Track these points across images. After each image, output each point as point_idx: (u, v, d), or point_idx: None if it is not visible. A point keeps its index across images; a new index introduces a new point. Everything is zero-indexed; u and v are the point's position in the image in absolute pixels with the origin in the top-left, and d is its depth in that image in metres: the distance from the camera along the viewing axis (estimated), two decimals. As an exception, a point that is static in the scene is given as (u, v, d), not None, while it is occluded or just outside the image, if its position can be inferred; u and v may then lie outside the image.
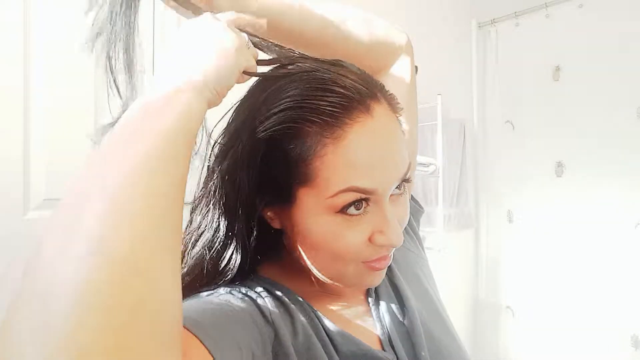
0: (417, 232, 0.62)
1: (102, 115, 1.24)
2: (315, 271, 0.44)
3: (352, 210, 0.39)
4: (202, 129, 0.43)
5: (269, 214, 0.43)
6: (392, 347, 0.46)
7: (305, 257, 0.43)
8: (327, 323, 0.44)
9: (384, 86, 0.42)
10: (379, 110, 0.39)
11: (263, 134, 0.38)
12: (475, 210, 2.42)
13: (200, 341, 0.32)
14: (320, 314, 0.45)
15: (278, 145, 0.38)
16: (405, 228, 0.58)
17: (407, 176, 0.41)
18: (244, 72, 0.39)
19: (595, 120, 1.99)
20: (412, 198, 0.60)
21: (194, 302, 0.38)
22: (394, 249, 0.43)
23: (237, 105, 0.43)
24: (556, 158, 2.13)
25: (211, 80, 0.34)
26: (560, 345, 2.06)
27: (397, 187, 0.41)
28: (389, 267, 0.52)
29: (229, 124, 0.43)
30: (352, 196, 0.38)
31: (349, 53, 0.52)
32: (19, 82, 1.11)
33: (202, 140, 0.43)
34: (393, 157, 0.40)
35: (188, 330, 0.32)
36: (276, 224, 0.44)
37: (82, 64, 1.21)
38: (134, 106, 0.31)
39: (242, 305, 0.39)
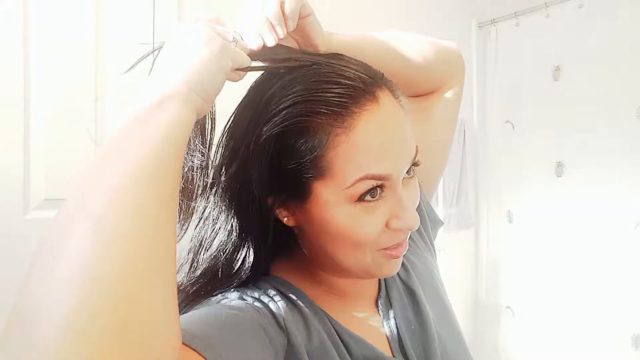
0: (433, 242, 0.62)
1: (102, 115, 1.24)
2: (332, 263, 0.43)
3: (368, 197, 0.39)
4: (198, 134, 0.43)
5: (283, 212, 0.43)
6: (404, 354, 0.46)
7: (324, 251, 0.43)
8: (339, 326, 0.44)
9: (383, 74, 0.43)
10: (384, 97, 0.40)
11: (272, 131, 0.38)
12: (475, 210, 2.42)
13: None
14: (331, 316, 0.44)
15: (289, 141, 0.38)
16: (422, 236, 0.59)
17: (417, 160, 0.42)
18: (237, 69, 0.39)
19: (595, 120, 1.99)
20: (433, 210, 0.61)
21: (204, 314, 0.37)
22: (413, 256, 0.44)
23: (239, 105, 0.43)
24: (556, 158, 2.13)
25: (195, 87, 0.33)
26: (560, 345, 2.06)
27: (407, 172, 0.42)
28: (406, 270, 0.53)
29: (232, 125, 0.43)
30: (369, 184, 0.38)
31: (406, 79, 0.54)
32: (19, 83, 1.11)
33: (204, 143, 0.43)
34: (402, 141, 0.40)
35: (198, 352, 0.31)
36: (291, 222, 0.43)
37: (82, 64, 1.21)
38: (118, 122, 0.31)
39: (254, 314, 0.39)
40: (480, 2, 2.44)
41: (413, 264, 0.54)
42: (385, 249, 0.42)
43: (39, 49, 1.13)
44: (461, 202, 2.28)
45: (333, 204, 0.39)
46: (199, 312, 0.38)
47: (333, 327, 0.43)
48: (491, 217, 2.40)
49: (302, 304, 0.43)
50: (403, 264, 0.53)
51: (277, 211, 0.43)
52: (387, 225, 0.40)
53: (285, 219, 0.43)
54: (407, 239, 0.44)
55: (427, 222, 0.60)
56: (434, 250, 0.62)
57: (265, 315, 0.39)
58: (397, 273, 0.52)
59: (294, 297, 0.43)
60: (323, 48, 0.45)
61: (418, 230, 0.58)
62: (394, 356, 0.46)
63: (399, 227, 0.40)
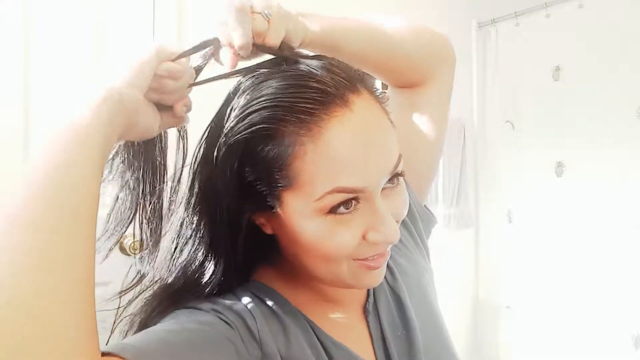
0: (426, 243, 0.60)
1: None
2: (310, 273, 0.42)
3: (341, 209, 0.37)
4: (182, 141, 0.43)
5: (260, 219, 0.42)
6: (388, 359, 0.46)
7: (299, 260, 0.42)
8: (322, 334, 0.43)
9: (364, 76, 0.40)
10: (359, 102, 0.37)
11: (237, 137, 0.36)
12: (475, 210, 2.42)
13: None
14: (315, 323, 0.43)
15: (255, 149, 0.36)
16: (414, 239, 0.56)
17: (398, 169, 0.39)
18: (190, 85, 0.40)
19: (595, 120, 1.99)
20: (425, 207, 0.59)
21: (162, 330, 0.36)
22: (402, 258, 0.43)
23: (216, 112, 0.42)
24: (556, 158, 2.13)
25: (120, 84, 0.35)
26: (560, 345, 2.06)
27: (389, 181, 0.39)
28: (393, 276, 0.51)
29: (206, 133, 0.41)
30: (340, 197, 0.36)
31: (398, 66, 0.52)
32: (19, 82, 1.11)
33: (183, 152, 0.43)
34: (379, 150, 0.37)
35: (115, 355, 0.30)
36: (268, 230, 0.42)
37: (82, 65, 1.21)
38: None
39: (223, 328, 0.37)
40: (480, 2, 2.44)
41: (401, 268, 0.52)
42: (362, 259, 0.39)
43: (39, 49, 1.13)
44: (461, 202, 2.28)
45: (303, 215, 0.37)
46: (159, 327, 0.37)
47: (315, 334, 0.42)
48: (491, 217, 2.40)
49: (281, 312, 0.41)
50: (390, 268, 0.51)
51: (254, 218, 0.41)
52: (364, 237, 0.38)
53: (263, 226, 0.42)
54: (389, 248, 0.42)
55: (419, 222, 0.58)
56: (427, 251, 0.59)
57: (237, 327, 0.38)
58: (385, 277, 0.51)
59: (272, 304, 0.42)
60: (303, 45, 0.44)
61: (409, 232, 0.56)
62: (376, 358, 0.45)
63: (377, 241, 0.38)
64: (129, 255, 1.22)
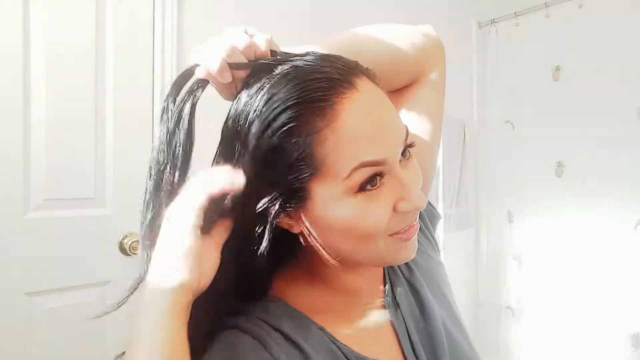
0: (435, 236, 0.61)
1: (101, 115, 1.24)
2: (343, 259, 0.43)
3: (368, 187, 0.38)
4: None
5: (286, 220, 0.42)
6: (415, 353, 0.46)
7: (335, 250, 0.42)
8: (347, 350, 0.43)
9: (358, 63, 0.42)
10: (363, 83, 0.40)
11: (263, 143, 0.38)
12: (475, 210, 2.42)
13: None
14: (339, 341, 0.43)
15: (279, 149, 0.38)
16: (424, 233, 0.58)
17: (409, 140, 0.41)
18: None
19: (595, 120, 1.99)
20: (429, 203, 0.60)
21: None
22: (417, 254, 0.43)
23: (224, 128, 0.42)
24: (556, 158, 2.13)
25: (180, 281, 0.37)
26: (560, 345, 2.06)
27: (402, 154, 0.41)
28: (410, 268, 0.52)
29: (220, 149, 0.42)
30: (366, 172, 0.38)
31: (390, 73, 0.53)
32: (19, 83, 1.11)
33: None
34: (390, 123, 0.40)
35: None
36: (296, 229, 0.42)
37: (82, 65, 1.21)
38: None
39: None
40: (480, 2, 2.44)
41: (416, 262, 0.54)
42: (396, 233, 0.41)
43: (40, 49, 1.13)
44: (461, 202, 2.28)
45: (335, 200, 0.39)
46: None
47: (340, 350, 0.43)
48: (491, 217, 2.40)
49: (303, 340, 0.42)
50: (407, 263, 0.52)
51: (280, 220, 0.41)
52: (394, 209, 0.40)
53: (290, 227, 0.42)
54: (417, 220, 0.43)
55: (426, 218, 0.59)
56: (437, 247, 0.61)
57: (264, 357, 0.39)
58: (402, 272, 0.52)
59: (295, 331, 0.42)
60: None
61: (420, 229, 0.57)
62: (405, 358, 0.46)
63: (406, 209, 0.40)
64: (129, 255, 1.22)
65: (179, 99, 0.41)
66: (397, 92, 0.58)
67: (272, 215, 0.40)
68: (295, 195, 0.39)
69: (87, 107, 1.22)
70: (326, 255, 0.43)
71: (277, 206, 0.40)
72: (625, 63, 1.92)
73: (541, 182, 2.16)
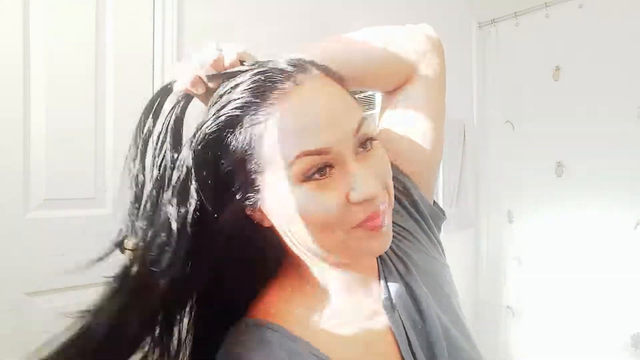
0: (439, 238, 0.60)
1: (101, 116, 1.24)
2: (310, 250, 0.44)
3: (316, 176, 0.40)
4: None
5: (254, 214, 0.45)
6: (412, 353, 0.46)
7: (301, 241, 0.43)
8: None
9: (313, 61, 0.44)
10: (308, 79, 0.42)
11: (209, 135, 0.42)
12: (475, 210, 2.42)
13: None
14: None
15: (222, 146, 0.42)
16: (428, 236, 0.57)
17: (365, 132, 0.41)
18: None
19: (595, 120, 1.99)
20: (435, 204, 0.60)
21: None
22: (415, 253, 0.44)
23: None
24: (556, 158, 2.13)
25: None
26: (560, 345, 2.06)
27: (360, 146, 0.42)
28: (407, 268, 0.52)
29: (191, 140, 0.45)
30: (309, 160, 0.39)
31: (386, 75, 0.56)
32: (18, 84, 1.11)
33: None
34: (335, 114, 0.41)
35: None
36: (266, 222, 0.45)
37: (82, 66, 1.21)
38: None
39: None
40: (480, 2, 2.44)
41: (415, 262, 0.53)
42: (361, 224, 0.41)
43: (39, 49, 1.13)
44: (461, 202, 2.28)
45: (285, 189, 0.40)
46: None
47: None
48: (491, 217, 2.40)
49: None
50: (403, 262, 0.52)
51: (250, 214, 0.45)
52: (348, 200, 0.40)
53: (260, 220, 0.45)
54: (388, 210, 0.43)
55: (428, 218, 0.58)
56: (442, 248, 0.60)
57: None
58: (398, 270, 0.51)
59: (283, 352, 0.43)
60: None
61: (421, 228, 0.56)
62: (402, 358, 0.45)
63: (356, 199, 0.40)
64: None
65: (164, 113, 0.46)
66: (398, 90, 0.58)
67: (236, 209, 0.43)
68: (252, 188, 0.42)
69: (87, 107, 1.21)
70: (300, 248, 0.45)
71: (239, 196, 0.43)
72: (625, 63, 1.91)
73: (541, 182, 2.16)
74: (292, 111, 0.40)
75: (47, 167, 1.15)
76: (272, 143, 0.40)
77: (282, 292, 0.48)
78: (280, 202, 0.41)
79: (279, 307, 0.46)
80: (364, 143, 0.42)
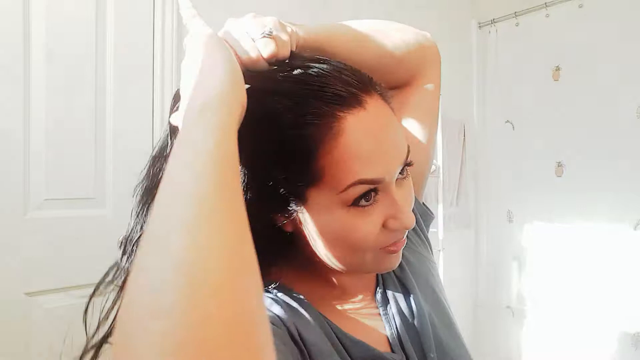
0: (428, 236, 0.63)
1: (101, 116, 1.24)
2: (332, 264, 0.44)
3: (362, 202, 0.40)
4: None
5: (281, 218, 0.43)
6: (402, 349, 0.47)
7: (320, 253, 0.44)
8: (340, 332, 0.45)
9: (372, 78, 0.43)
10: (372, 102, 0.40)
11: (267, 146, 0.39)
12: (475, 210, 2.43)
13: None
14: (334, 324, 0.45)
15: (282, 154, 0.39)
16: (419, 235, 0.59)
17: (409, 160, 0.42)
18: (270, 64, 0.41)
19: (595, 120, 1.99)
20: (423, 204, 0.62)
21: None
22: (409, 252, 0.45)
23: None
24: (556, 158, 2.13)
25: (216, 104, 0.32)
26: (559, 344, 2.06)
27: (400, 172, 0.42)
28: (401, 266, 0.53)
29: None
30: (362, 188, 0.39)
31: (383, 68, 0.54)
32: (19, 84, 1.11)
33: None
34: (393, 143, 0.41)
35: None
36: (289, 227, 0.44)
37: (82, 65, 1.21)
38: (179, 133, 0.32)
39: (275, 332, 0.39)
40: (480, 2, 2.44)
41: (408, 261, 0.55)
42: (384, 247, 0.43)
43: (40, 49, 1.13)
44: (461, 202, 2.28)
45: (327, 210, 0.40)
46: None
47: (334, 333, 0.44)
48: (491, 217, 2.40)
49: (304, 312, 0.44)
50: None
51: (274, 217, 0.43)
52: (384, 226, 0.41)
53: (284, 225, 0.44)
54: (406, 234, 0.45)
55: (419, 217, 0.60)
56: (430, 246, 0.63)
57: (280, 331, 0.40)
58: (393, 270, 0.53)
59: (296, 304, 0.44)
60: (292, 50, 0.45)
61: (413, 228, 0.58)
62: (393, 352, 0.47)
63: (396, 228, 0.41)
64: (129, 255, 1.22)
65: None
66: (396, 90, 0.59)
67: (267, 213, 0.42)
68: (293, 197, 0.41)
69: (87, 107, 1.22)
70: (319, 255, 0.45)
71: (273, 205, 0.42)
72: (625, 63, 1.92)
73: (541, 182, 2.17)
74: (358, 136, 0.38)
75: (47, 167, 1.15)
76: (330, 164, 0.38)
77: (287, 273, 0.48)
78: (319, 219, 0.41)
79: (287, 278, 0.47)
80: (403, 169, 0.43)
